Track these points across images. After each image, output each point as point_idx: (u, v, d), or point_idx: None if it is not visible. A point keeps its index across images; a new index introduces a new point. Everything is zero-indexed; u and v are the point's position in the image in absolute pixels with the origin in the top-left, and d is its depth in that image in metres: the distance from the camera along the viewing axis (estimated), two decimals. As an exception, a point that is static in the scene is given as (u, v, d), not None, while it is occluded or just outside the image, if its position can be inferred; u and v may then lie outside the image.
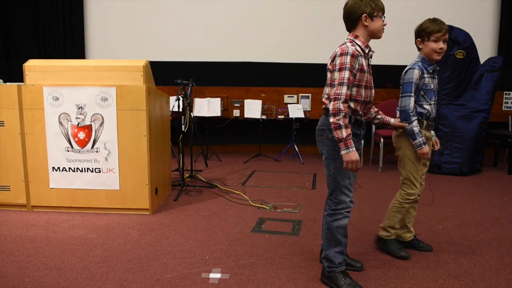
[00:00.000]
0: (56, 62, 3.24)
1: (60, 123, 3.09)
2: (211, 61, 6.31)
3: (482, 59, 5.04)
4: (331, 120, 1.87)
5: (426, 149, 2.27)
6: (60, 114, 3.08)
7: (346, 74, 1.87)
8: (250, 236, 2.75)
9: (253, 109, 5.75)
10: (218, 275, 2.15)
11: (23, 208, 3.22)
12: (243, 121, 5.95)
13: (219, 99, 5.83)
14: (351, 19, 1.97)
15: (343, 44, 1.93)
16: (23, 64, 3.17)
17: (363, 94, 1.98)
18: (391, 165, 5.32)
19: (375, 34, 1.98)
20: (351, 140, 1.86)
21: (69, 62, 3.22)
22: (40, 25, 6.34)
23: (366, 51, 1.97)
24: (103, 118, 3.07)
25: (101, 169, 3.11)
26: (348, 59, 1.86)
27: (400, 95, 2.32)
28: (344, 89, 1.87)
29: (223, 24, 6.29)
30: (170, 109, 3.91)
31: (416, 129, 2.26)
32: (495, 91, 4.96)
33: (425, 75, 2.29)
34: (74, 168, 3.12)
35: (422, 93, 2.31)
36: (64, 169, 3.13)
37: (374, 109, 2.25)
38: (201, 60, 6.30)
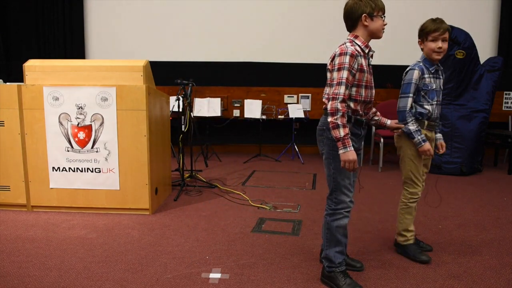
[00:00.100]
0: (56, 62, 3.24)
1: (60, 123, 3.09)
2: (211, 61, 6.30)
3: (482, 59, 5.04)
4: (329, 119, 1.87)
5: (427, 146, 2.27)
6: (60, 114, 3.08)
7: (345, 74, 1.87)
8: (250, 236, 2.75)
9: (253, 109, 5.75)
10: (218, 275, 2.15)
11: (23, 208, 3.22)
12: (243, 121, 5.94)
13: (219, 99, 5.83)
14: (351, 19, 1.97)
15: (343, 44, 1.93)
16: (23, 64, 3.17)
17: (363, 94, 1.98)
18: (391, 165, 5.32)
19: (375, 34, 1.98)
20: (349, 140, 1.86)
21: (69, 62, 3.22)
22: (40, 25, 6.34)
23: (366, 51, 1.97)
24: (103, 118, 3.07)
25: (101, 169, 3.11)
26: (347, 59, 1.86)
27: (399, 96, 2.32)
28: (342, 89, 1.87)
29: (223, 24, 6.28)
30: (170, 109, 3.91)
31: (413, 128, 2.26)
32: (495, 91, 4.96)
33: (426, 76, 2.29)
34: (74, 168, 3.12)
35: (423, 94, 2.31)
36: (64, 169, 3.13)
37: (372, 110, 2.25)
38: (201, 60, 6.30)
